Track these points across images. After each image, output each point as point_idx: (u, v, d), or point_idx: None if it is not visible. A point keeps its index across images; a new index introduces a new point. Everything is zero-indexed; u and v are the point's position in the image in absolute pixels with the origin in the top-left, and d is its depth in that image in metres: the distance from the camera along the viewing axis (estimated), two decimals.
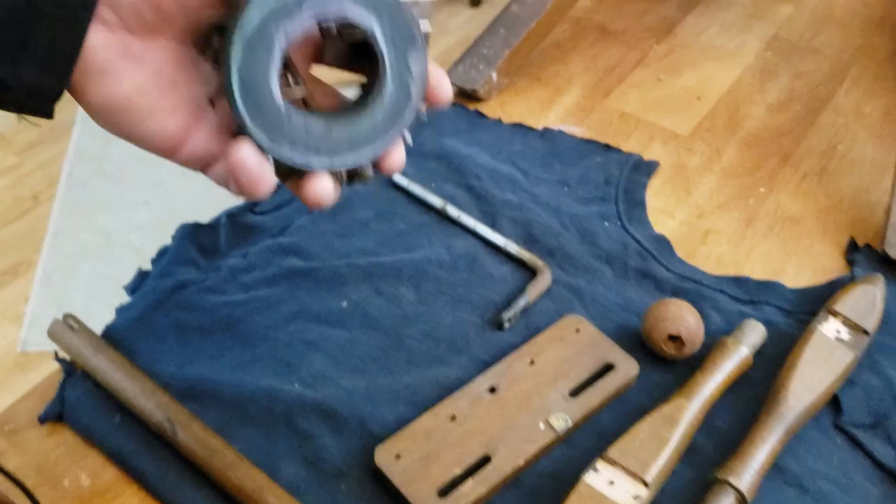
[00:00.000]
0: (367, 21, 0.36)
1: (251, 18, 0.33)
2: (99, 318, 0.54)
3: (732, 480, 0.43)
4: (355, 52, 0.39)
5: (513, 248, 0.57)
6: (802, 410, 0.47)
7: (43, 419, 0.48)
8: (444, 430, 0.46)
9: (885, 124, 0.69)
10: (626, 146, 0.66)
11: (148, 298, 0.53)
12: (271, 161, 0.35)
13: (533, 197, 0.61)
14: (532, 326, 0.53)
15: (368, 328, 0.52)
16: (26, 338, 1.57)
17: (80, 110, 1.45)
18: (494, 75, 0.68)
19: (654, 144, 0.67)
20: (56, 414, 0.48)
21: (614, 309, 0.54)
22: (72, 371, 0.50)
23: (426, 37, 0.36)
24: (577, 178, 0.63)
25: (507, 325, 0.53)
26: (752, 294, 0.55)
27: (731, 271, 0.57)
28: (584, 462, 0.46)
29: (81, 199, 1.81)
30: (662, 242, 0.58)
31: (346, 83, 0.42)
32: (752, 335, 0.51)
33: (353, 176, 0.38)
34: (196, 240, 0.57)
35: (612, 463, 0.44)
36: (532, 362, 0.50)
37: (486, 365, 0.51)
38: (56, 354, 0.50)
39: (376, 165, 0.38)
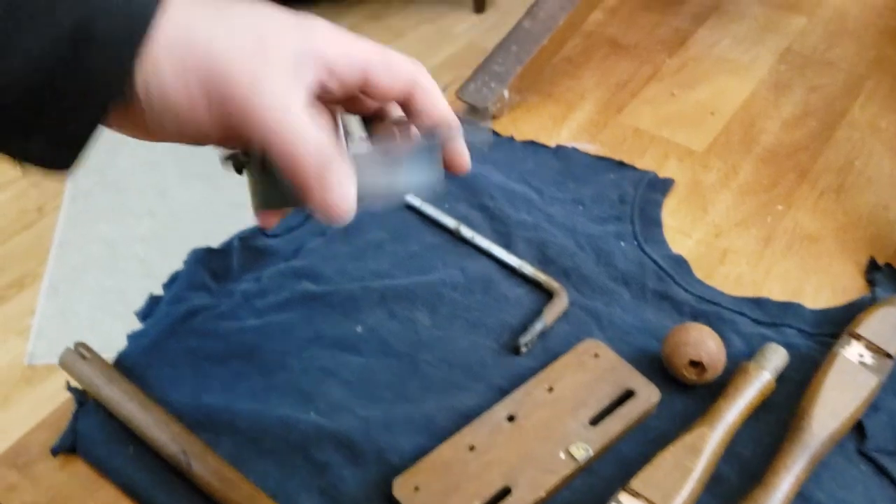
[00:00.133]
0: None
1: None
2: (105, 329, 0.53)
3: None
4: None
5: (528, 269, 0.57)
6: (827, 438, 0.46)
7: (56, 451, 0.47)
8: (462, 460, 0.46)
9: None
10: (641, 163, 0.65)
11: (160, 325, 0.52)
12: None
13: (547, 217, 0.60)
14: (549, 350, 0.52)
15: (384, 354, 0.52)
16: (33, 350, 1.56)
17: None
18: (506, 93, 0.68)
19: (669, 161, 0.66)
20: (69, 445, 0.47)
21: (632, 332, 0.53)
22: (84, 401, 0.49)
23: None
24: (592, 197, 0.62)
25: (523, 349, 0.52)
26: (772, 316, 0.54)
27: (749, 292, 0.56)
28: (605, 492, 0.45)
29: (86, 209, 1.80)
30: (680, 263, 0.57)
31: None
32: (774, 359, 0.50)
33: None
34: (208, 264, 0.56)
35: (635, 495, 0.43)
36: (551, 389, 0.49)
37: (503, 391, 0.50)
38: (68, 384, 0.50)
39: None
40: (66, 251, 1.72)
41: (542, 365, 0.51)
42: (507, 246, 0.59)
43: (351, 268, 0.57)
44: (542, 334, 0.53)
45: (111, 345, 0.52)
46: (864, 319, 0.51)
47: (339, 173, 0.34)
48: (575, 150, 0.66)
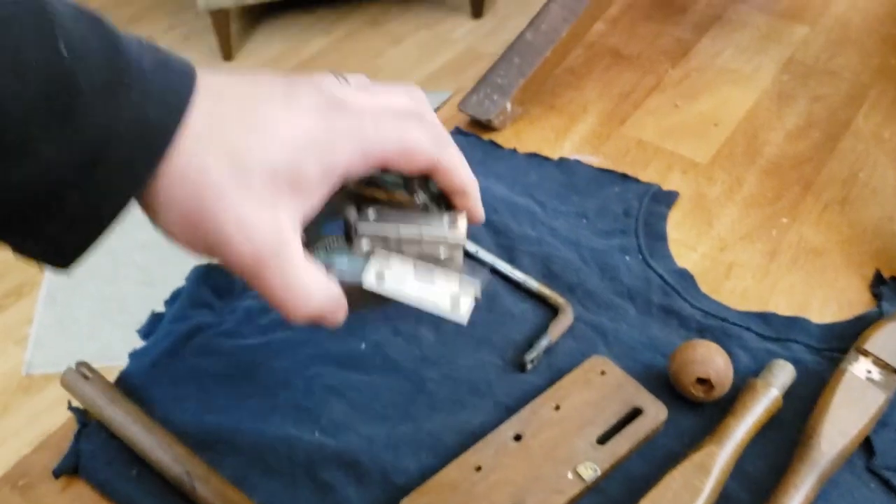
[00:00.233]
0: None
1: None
2: (103, 337, 0.53)
3: None
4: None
5: (533, 284, 0.56)
6: (836, 456, 0.46)
7: (57, 473, 0.47)
8: (469, 481, 0.45)
9: None
10: (645, 175, 0.65)
11: (163, 343, 0.52)
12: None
13: (551, 230, 0.60)
14: (555, 367, 0.52)
15: (388, 371, 0.51)
16: (31, 360, 1.56)
17: None
18: (509, 105, 0.67)
19: (672, 173, 0.66)
20: (71, 467, 0.47)
21: (638, 348, 0.53)
22: (86, 421, 0.49)
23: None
24: (596, 210, 0.62)
25: (529, 366, 0.52)
26: (778, 331, 0.54)
27: (756, 306, 0.56)
28: None
29: None
30: (686, 277, 0.57)
31: None
32: (782, 376, 0.49)
33: None
34: (210, 281, 0.56)
35: None
36: (557, 407, 0.49)
37: (509, 409, 0.49)
38: (69, 404, 0.49)
39: None
40: None
41: (548, 382, 0.51)
42: (511, 260, 0.58)
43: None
44: (548, 350, 0.53)
45: (110, 353, 0.51)
46: (871, 335, 0.51)
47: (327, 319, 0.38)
48: (578, 162, 0.66)
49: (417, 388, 0.50)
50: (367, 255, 0.40)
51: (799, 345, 0.53)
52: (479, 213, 0.43)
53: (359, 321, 0.53)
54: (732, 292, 0.57)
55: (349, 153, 0.36)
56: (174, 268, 0.57)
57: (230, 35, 2.36)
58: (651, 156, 0.67)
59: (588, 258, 0.58)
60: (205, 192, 0.33)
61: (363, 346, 0.52)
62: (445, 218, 0.42)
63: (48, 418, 1.50)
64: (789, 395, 0.49)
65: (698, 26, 0.82)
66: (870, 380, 0.49)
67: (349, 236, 0.41)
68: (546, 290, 0.56)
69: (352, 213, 0.41)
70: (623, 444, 0.47)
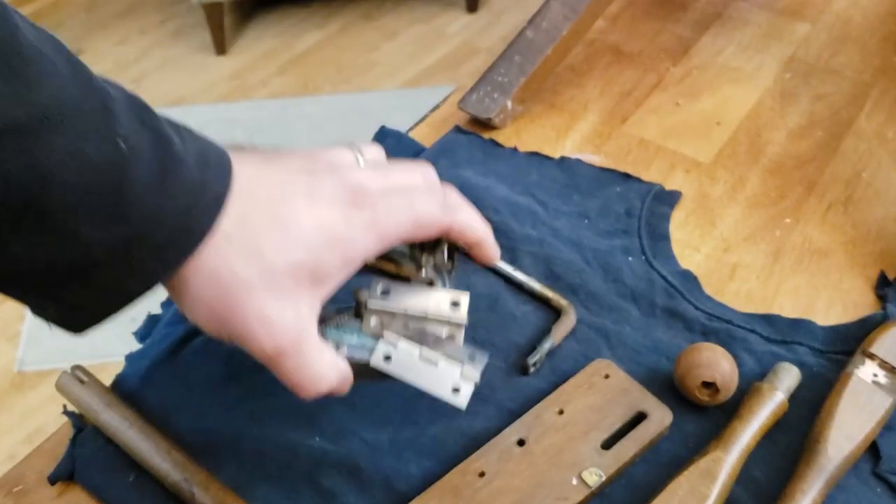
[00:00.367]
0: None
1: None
2: (96, 334, 0.52)
3: None
4: None
5: (535, 286, 0.56)
6: (842, 461, 0.45)
7: (53, 479, 0.46)
8: (472, 487, 0.45)
9: None
10: (647, 175, 0.64)
11: (159, 347, 0.51)
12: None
13: (553, 231, 0.59)
14: (558, 370, 0.51)
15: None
16: (23, 357, 1.55)
17: None
18: (509, 103, 0.67)
19: (675, 173, 0.65)
20: (67, 473, 0.46)
21: (642, 351, 0.52)
22: (82, 426, 0.48)
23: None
24: (598, 210, 0.61)
25: (532, 369, 0.51)
26: (783, 333, 0.53)
27: (760, 308, 0.55)
28: None
29: None
30: (689, 278, 0.57)
31: None
32: (787, 379, 0.49)
33: None
34: None
35: None
36: (561, 412, 0.48)
37: (512, 413, 0.49)
38: (65, 408, 0.48)
39: None
40: None
41: (551, 385, 0.50)
42: (513, 261, 0.57)
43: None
44: (551, 353, 0.52)
45: (103, 351, 0.50)
46: (877, 338, 0.51)
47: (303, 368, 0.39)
48: (579, 161, 0.65)
49: (419, 392, 0.50)
50: (376, 333, 0.43)
51: (804, 347, 0.52)
52: (495, 255, 0.45)
53: None
54: (737, 294, 0.56)
55: (367, 244, 0.39)
56: None
57: (224, 29, 2.34)
58: (653, 155, 0.67)
59: (590, 259, 0.57)
60: (233, 291, 0.36)
61: None
62: (449, 298, 0.45)
63: (41, 416, 1.48)
64: (794, 398, 0.49)
65: (699, 24, 0.81)
66: (876, 383, 0.48)
67: (359, 312, 0.44)
68: (548, 292, 0.55)
69: (363, 291, 0.44)
70: (628, 449, 0.46)
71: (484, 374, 0.50)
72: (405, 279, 0.46)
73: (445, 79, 2.25)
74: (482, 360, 0.44)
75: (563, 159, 0.66)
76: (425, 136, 0.69)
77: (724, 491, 0.44)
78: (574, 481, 0.45)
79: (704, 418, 0.49)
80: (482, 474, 0.45)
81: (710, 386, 0.48)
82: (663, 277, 0.56)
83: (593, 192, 0.63)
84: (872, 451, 0.47)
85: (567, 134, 0.69)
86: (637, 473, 0.46)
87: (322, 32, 2.47)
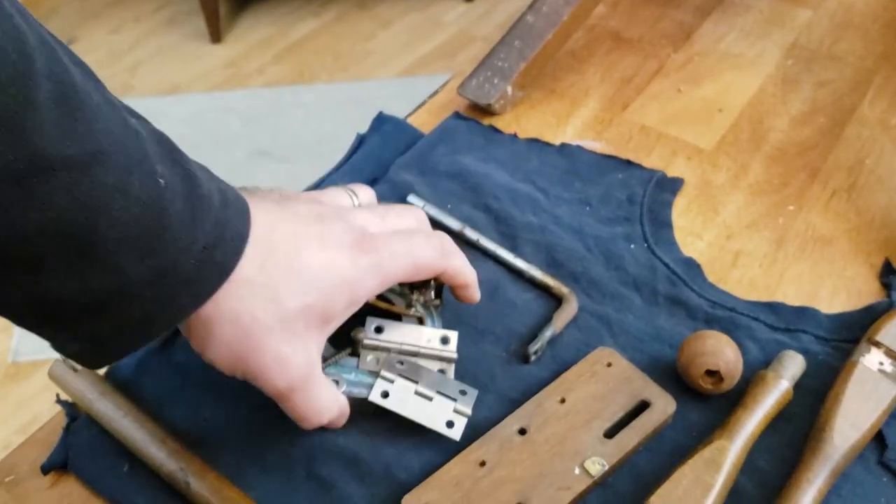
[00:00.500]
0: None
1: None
2: None
3: None
4: None
5: (536, 273, 0.55)
6: (848, 449, 0.45)
7: (46, 468, 0.45)
8: (473, 477, 0.44)
9: None
10: (648, 162, 0.64)
11: None
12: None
13: (554, 218, 0.59)
14: (559, 359, 0.51)
15: None
16: (17, 347, 1.54)
17: None
18: (509, 89, 0.66)
19: (677, 160, 0.64)
20: (60, 462, 0.45)
21: (645, 339, 0.52)
22: (75, 415, 0.47)
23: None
24: (599, 197, 0.61)
25: (533, 357, 0.50)
26: (787, 321, 0.53)
27: (763, 296, 0.55)
28: None
29: None
30: (692, 266, 0.56)
31: None
32: (792, 367, 0.48)
33: None
34: None
35: None
36: (563, 400, 0.47)
37: (512, 402, 0.48)
38: (58, 397, 0.48)
39: None
40: None
41: (553, 374, 0.49)
42: (514, 249, 0.57)
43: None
44: (552, 341, 0.51)
45: None
46: (882, 326, 0.50)
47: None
48: (580, 148, 0.64)
49: None
50: (373, 369, 0.46)
51: (808, 335, 0.52)
52: (477, 298, 0.49)
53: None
54: (739, 281, 0.56)
55: (371, 285, 0.42)
56: None
57: (218, 17, 2.33)
58: (654, 142, 0.66)
59: (592, 246, 0.57)
60: (253, 333, 0.38)
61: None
62: (439, 335, 0.49)
63: (35, 406, 1.48)
64: (799, 386, 0.48)
65: (700, 10, 0.80)
66: (882, 371, 0.48)
67: (355, 350, 0.47)
68: (549, 280, 0.55)
69: (359, 332, 0.47)
70: (631, 438, 0.46)
71: (484, 365, 0.50)
72: (396, 317, 0.49)
73: (442, 67, 2.23)
74: (473, 394, 0.47)
75: (563, 146, 0.65)
76: (424, 122, 0.68)
77: (729, 480, 0.43)
78: (576, 471, 0.44)
79: (708, 407, 0.48)
80: (483, 464, 0.44)
81: (713, 374, 0.47)
82: (665, 265, 0.56)
83: (594, 179, 0.62)
84: (878, 440, 0.47)
85: (568, 120, 0.68)
86: (640, 463, 0.46)
87: (318, 21, 2.45)
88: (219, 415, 0.47)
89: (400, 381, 0.46)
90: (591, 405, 0.47)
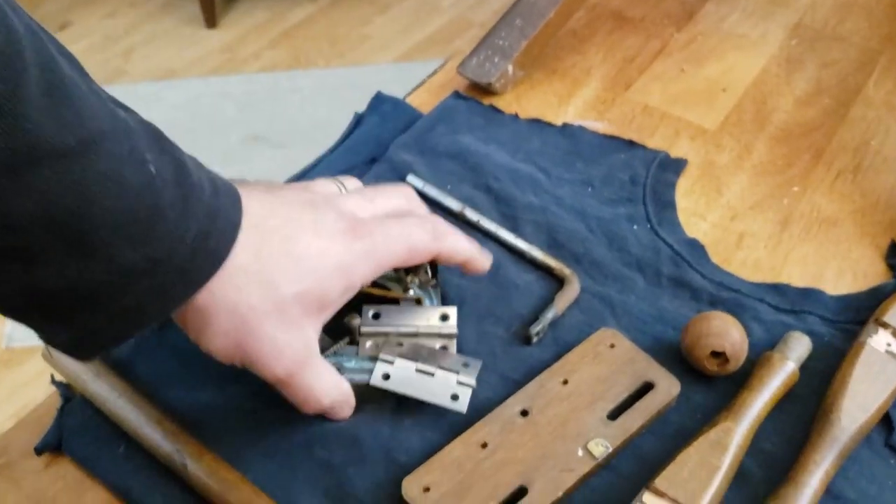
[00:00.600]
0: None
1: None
2: None
3: None
4: None
5: (537, 254, 0.54)
6: (856, 431, 0.44)
7: (40, 449, 0.44)
8: (475, 459, 0.43)
9: None
10: (652, 142, 0.63)
11: None
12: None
13: (556, 199, 0.58)
14: (561, 340, 0.50)
15: None
16: (11, 333, 1.52)
17: None
18: (510, 68, 0.65)
19: (680, 140, 0.63)
20: (54, 444, 0.44)
21: (648, 321, 0.51)
22: (70, 396, 0.46)
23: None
24: (601, 178, 0.60)
25: (535, 339, 0.50)
26: (793, 303, 0.52)
27: (768, 278, 0.54)
28: (625, 491, 0.43)
29: None
30: (696, 247, 0.55)
31: None
32: (798, 348, 0.48)
33: None
34: None
35: (660, 494, 0.41)
36: (565, 382, 0.46)
37: (514, 384, 0.47)
38: (52, 378, 0.47)
39: None
40: None
41: (554, 355, 0.49)
42: (514, 229, 0.56)
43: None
44: (554, 323, 0.50)
45: None
46: (890, 307, 0.49)
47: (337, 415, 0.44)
48: (582, 128, 0.63)
49: None
50: (372, 355, 0.46)
51: (814, 317, 0.51)
52: (486, 265, 0.48)
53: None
54: (744, 263, 0.55)
55: (366, 270, 0.42)
56: None
57: (214, 2, 2.30)
58: (657, 122, 0.65)
59: (594, 227, 0.56)
60: (250, 321, 0.38)
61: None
62: (438, 313, 0.48)
63: (30, 392, 1.47)
64: (805, 368, 0.47)
65: None
66: (889, 353, 0.47)
67: (353, 338, 0.47)
68: (551, 261, 0.54)
69: (355, 318, 0.47)
70: (635, 419, 0.45)
71: (485, 346, 0.49)
72: (394, 301, 0.49)
73: (439, 53, 2.21)
74: (476, 365, 0.46)
75: (565, 126, 0.64)
76: (423, 102, 0.67)
77: (735, 462, 0.43)
78: (580, 452, 0.43)
79: (713, 389, 0.47)
80: (485, 445, 0.44)
81: (719, 356, 0.47)
82: (669, 246, 0.55)
83: (597, 160, 0.61)
84: (885, 422, 0.46)
85: (569, 100, 0.67)
86: (644, 445, 0.45)
87: (314, 5, 2.43)
88: (216, 396, 0.46)
89: (400, 362, 0.45)
90: (594, 387, 0.46)
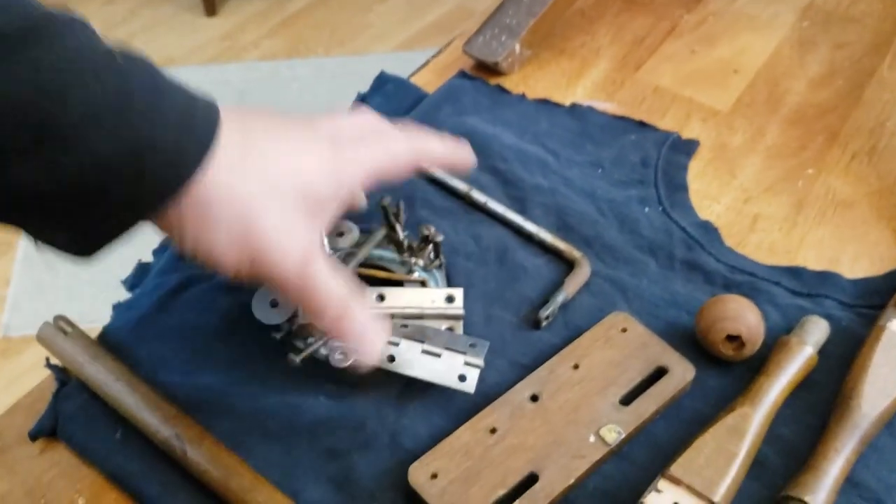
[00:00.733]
0: None
1: None
2: (84, 300, 0.49)
3: (807, 498, 0.39)
4: None
5: (546, 237, 0.53)
6: (876, 417, 0.43)
7: (34, 435, 0.43)
8: (483, 444, 0.42)
9: None
10: (663, 123, 0.61)
11: (150, 297, 0.48)
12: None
13: (565, 181, 0.56)
14: (571, 325, 0.48)
15: None
16: (8, 322, 1.51)
17: None
18: (518, 47, 0.63)
19: (692, 121, 0.62)
20: (49, 429, 0.43)
21: (661, 305, 0.49)
22: (65, 380, 0.45)
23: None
24: (612, 160, 0.58)
25: (544, 323, 0.48)
26: (809, 286, 0.50)
27: (784, 261, 0.52)
28: (638, 478, 0.41)
29: None
30: (709, 230, 0.54)
31: None
32: (816, 333, 0.46)
33: None
34: None
35: (676, 482, 0.39)
36: (576, 366, 0.45)
37: (524, 368, 0.46)
38: (48, 361, 0.45)
39: None
40: None
41: (564, 340, 0.47)
42: (523, 212, 0.54)
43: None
44: (564, 307, 0.49)
45: (91, 317, 0.47)
46: None
47: (357, 318, 0.40)
48: (591, 109, 0.62)
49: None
50: None
51: (831, 301, 0.50)
52: (467, 159, 0.47)
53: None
54: (759, 246, 0.53)
55: (353, 173, 0.40)
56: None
57: None
58: (669, 103, 0.63)
59: (605, 210, 0.54)
60: (252, 208, 0.36)
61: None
62: (443, 294, 0.47)
63: (28, 381, 1.45)
64: (822, 353, 0.46)
65: None
66: None
67: None
68: (561, 244, 0.52)
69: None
70: (648, 405, 0.44)
71: (493, 330, 0.48)
72: (398, 284, 0.48)
73: (440, 42, 2.19)
74: (483, 345, 0.44)
75: (574, 107, 0.62)
76: (427, 81, 0.65)
77: (753, 449, 0.41)
78: (592, 438, 0.42)
79: (727, 374, 0.46)
80: (493, 431, 0.42)
81: (735, 339, 0.45)
82: (682, 228, 0.53)
83: (607, 141, 0.60)
84: None
85: (578, 81, 0.65)
86: (657, 431, 0.44)
87: None
88: (217, 379, 0.44)
89: (405, 343, 0.44)
90: (606, 371, 0.45)
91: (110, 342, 0.46)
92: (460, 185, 0.55)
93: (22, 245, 1.63)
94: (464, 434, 0.42)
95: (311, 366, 0.44)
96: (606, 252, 0.52)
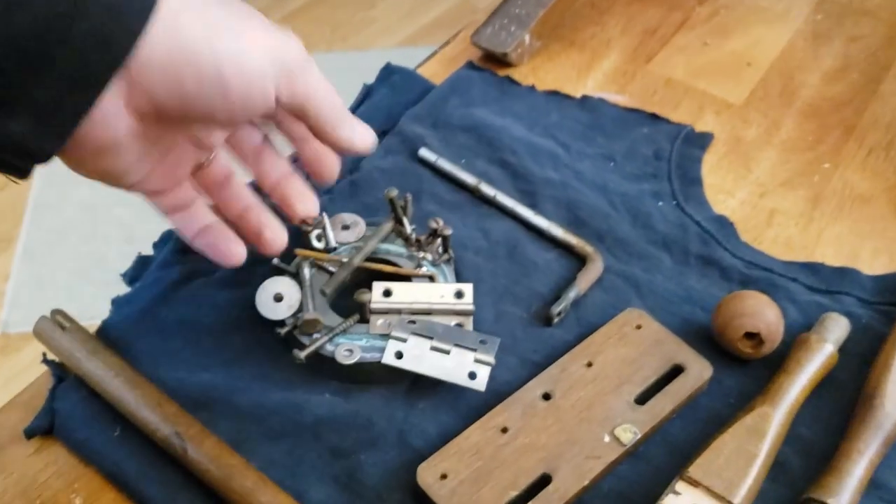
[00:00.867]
0: None
1: None
2: (83, 297, 0.48)
3: (830, 501, 0.38)
4: None
5: (557, 231, 0.51)
6: None
7: (30, 433, 0.42)
8: (494, 444, 0.40)
9: None
10: (675, 116, 0.60)
11: (150, 291, 0.46)
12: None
13: (576, 174, 0.55)
14: (584, 321, 0.47)
15: None
16: (7, 318, 1.50)
17: None
18: (527, 37, 0.62)
19: (705, 114, 0.61)
20: (45, 427, 0.42)
21: (675, 301, 0.48)
22: (63, 376, 0.43)
23: None
24: (624, 153, 0.57)
25: (556, 319, 0.47)
26: (828, 283, 0.49)
27: (801, 256, 0.51)
28: (655, 480, 0.40)
29: (63, 169, 1.72)
30: (725, 224, 0.52)
31: None
32: (836, 330, 0.45)
33: None
34: None
35: (695, 484, 0.38)
36: (590, 364, 0.44)
37: (535, 366, 0.45)
38: (44, 356, 0.44)
39: None
40: (43, 214, 1.64)
41: (577, 336, 0.46)
42: (533, 206, 0.53)
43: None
44: (576, 303, 0.48)
45: (90, 313, 0.46)
46: None
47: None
48: (602, 101, 0.61)
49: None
50: (384, 332, 0.43)
51: (851, 297, 0.48)
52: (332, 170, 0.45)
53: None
54: (775, 241, 0.52)
55: (298, 48, 0.37)
56: (156, 224, 0.51)
57: None
58: (681, 96, 0.62)
59: (618, 204, 0.53)
60: (227, 22, 0.34)
61: None
62: (452, 290, 0.45)
63: (27, 378, 1.43)
64: (842, 351, 0.45)
65: None
66: None
67: (364, 316, 0.44)
68: (572, 238, 0.51)
69: (365, 294, 0.44)
70: (664, 404, 0.42)
71: (504, 327, 0.47)
72: (405, 279, 0.47)
73: (443, 37, 2.18)
74: (494, 342, 0.43)
75: (585, 99, 0.61)
76: (435, 72, 0.64)
77: (773, 450, 0.40)
78: (606, 438, 0.41)
79: (745, 372, 0.45)
80: (505, 430, 0.41)
81: (753, 337, 0.44)
82: (697, 223, 0.52)
83: (618, 134, 0.58)
84: None
85: (588, 73, 0.64)
86: (673, 431, 0.43)
87: None
88: (219, 376, 0.43)
89: (413, 339, 0.43)
90: (621, 369, 0.44)
91: (109, 337, 0.45)
92: (469, 179, 0.54)
93: (22, 241, 1.61)
94: (474, 433, 0.41)
95: (317, 362, 0.43)
96: (619, 247, 0.51)
